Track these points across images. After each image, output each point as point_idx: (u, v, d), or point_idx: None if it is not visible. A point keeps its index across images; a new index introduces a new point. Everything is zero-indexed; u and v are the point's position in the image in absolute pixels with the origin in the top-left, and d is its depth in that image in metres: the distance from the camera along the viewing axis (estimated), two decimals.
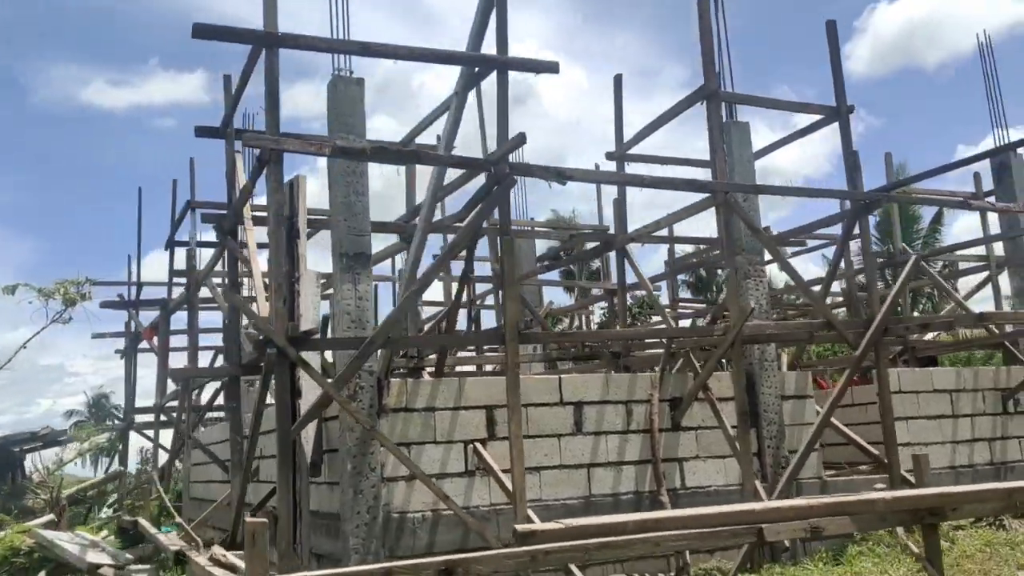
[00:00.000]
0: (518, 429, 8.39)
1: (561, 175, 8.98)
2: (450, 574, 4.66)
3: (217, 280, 14.09)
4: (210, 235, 14.76)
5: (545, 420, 9.78)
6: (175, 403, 16.50)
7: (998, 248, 15.75)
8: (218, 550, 5.73)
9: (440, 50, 8.93)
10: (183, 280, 15.66)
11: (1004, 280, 16.09)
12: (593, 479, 9.96)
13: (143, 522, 11.17)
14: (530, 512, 8.47)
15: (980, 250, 16.27)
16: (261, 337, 7.60)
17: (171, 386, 17.28)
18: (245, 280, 12.52)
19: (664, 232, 12.23)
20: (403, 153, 8.35)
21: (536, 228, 13.39)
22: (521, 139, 8.37)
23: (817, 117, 11.36)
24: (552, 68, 8.97)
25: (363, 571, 4.58)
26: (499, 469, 8.96)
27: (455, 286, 12.34)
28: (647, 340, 11.48)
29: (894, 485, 10.40)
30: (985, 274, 16.05)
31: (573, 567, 7.65)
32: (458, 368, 10.82)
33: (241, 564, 5.75)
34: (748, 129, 11.43)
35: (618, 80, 12.44)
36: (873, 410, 12.73)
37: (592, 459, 10.01)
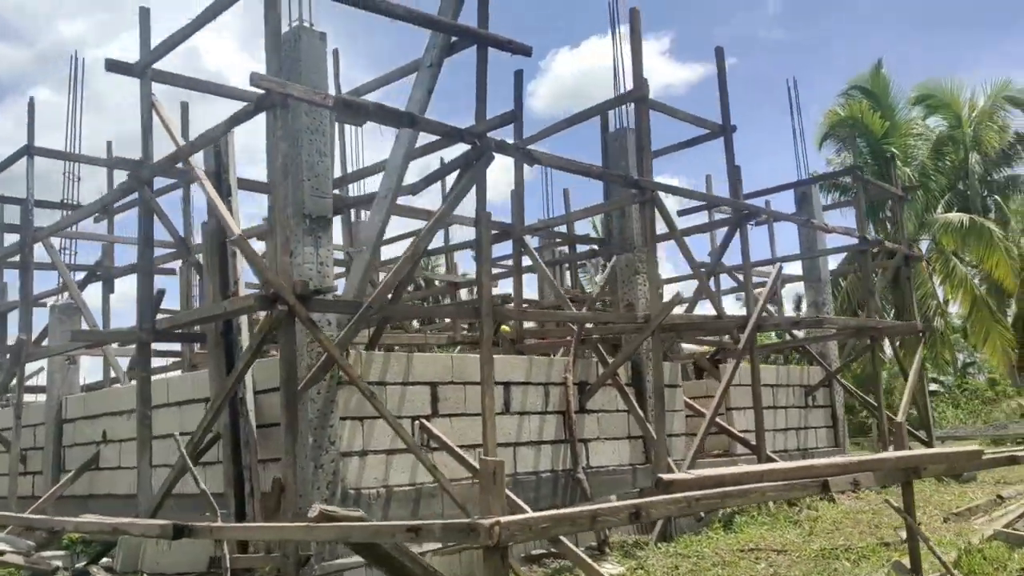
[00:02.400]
0: (491, 403, 8.42)
1: (530, 156, 9.18)
2: (637, 516, 4.80)
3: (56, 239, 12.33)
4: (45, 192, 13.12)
5: (479, 399, 9.81)
6: None
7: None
8: (320, 505, 5.24)
9: (422, 12, 8.71)
10: None
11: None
12: (518, 457, 10.17)
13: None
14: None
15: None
16: (268, 292, 6.94)
17: None
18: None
19: (563, 228, 12.74)
20: (401, 115, 8.06)
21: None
22: (513, 116, 8.45)
23: (704, 131, 12.50)
24: (526, 51, 9.10)
25: (571, 513, 4.56)
26: (455, 445, 8.91)
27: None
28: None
29: (761, 462, 11.72)
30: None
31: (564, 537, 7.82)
32: (388, 342, 10.47)
33: (356, 513, 5.25)
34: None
35: (518, 75, 12.76)
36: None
37: (517, 438, 10.21)
